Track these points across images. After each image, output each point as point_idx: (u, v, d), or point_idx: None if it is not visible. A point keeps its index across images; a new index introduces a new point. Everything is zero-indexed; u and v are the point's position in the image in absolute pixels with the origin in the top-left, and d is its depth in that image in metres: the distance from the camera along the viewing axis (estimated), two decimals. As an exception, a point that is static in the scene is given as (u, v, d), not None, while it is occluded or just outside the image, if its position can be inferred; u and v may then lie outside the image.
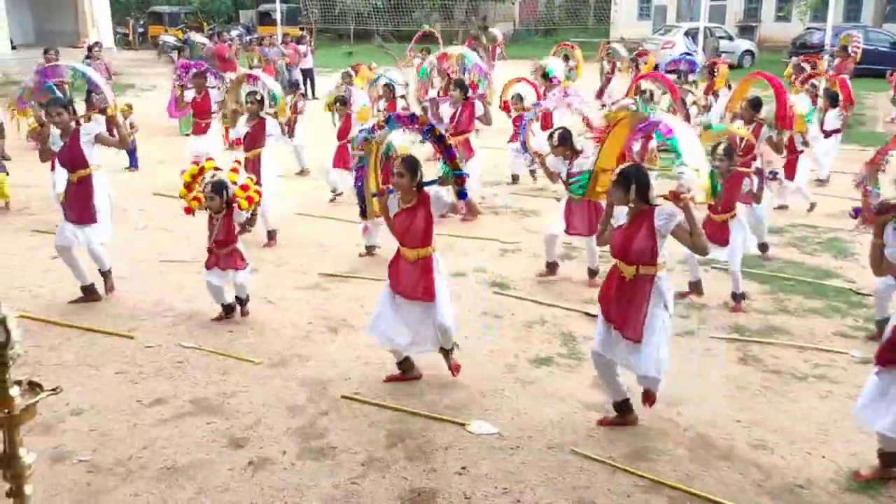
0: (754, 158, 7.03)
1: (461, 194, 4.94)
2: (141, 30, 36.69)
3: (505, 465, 4.28)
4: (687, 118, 9.74)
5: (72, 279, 6.55)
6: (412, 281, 4.96)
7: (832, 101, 10.77)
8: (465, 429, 4.63)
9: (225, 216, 6.02)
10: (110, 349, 5.67)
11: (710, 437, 4.57)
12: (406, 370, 5.26)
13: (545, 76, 11.51)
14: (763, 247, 7.67)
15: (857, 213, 5.94)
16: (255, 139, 8.36)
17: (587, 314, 6.38)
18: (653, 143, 8.00)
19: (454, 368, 5.22)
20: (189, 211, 6.13)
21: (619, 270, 4.42)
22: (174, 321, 6.19)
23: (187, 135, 13.84)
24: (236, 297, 6.27)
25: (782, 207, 9.34)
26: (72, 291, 6.63)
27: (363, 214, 5.37)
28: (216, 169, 6.17)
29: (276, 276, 7.18)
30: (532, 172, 10.61)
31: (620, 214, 4.53)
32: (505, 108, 11.43)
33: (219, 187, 5.95)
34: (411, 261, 4.95)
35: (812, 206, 9.34)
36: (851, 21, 30.73)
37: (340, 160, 9.58)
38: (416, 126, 5.01)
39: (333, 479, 4.14)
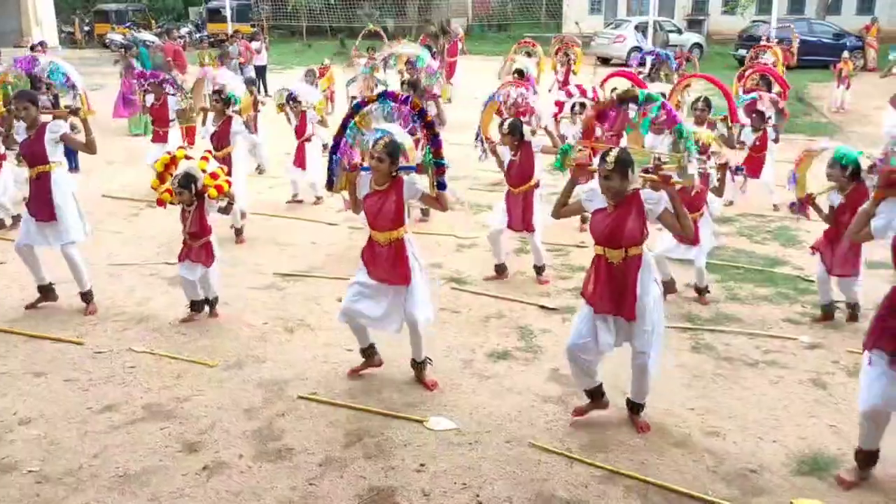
0: (709, 157, 7.18)
1: (440, 184, 4.84)
2: (87, 28, 35.91)
3: (463, 460, 4.29)
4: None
5: (18, 285, 6.38)
6: (387, 264, 4.89)
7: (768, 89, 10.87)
8: (424, 425, 4.62)
9: (197, 208, 5.93)
10: (58, 356, 5.53)
11: (666, 425, 4.64)
12: (368, 356, 5.22)
13: (520, 74, 11.64)
14: None
15: (794, 206, 6.13)
16: (223, 138, 8.27)
17: (543, 307, 6.42)
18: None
19: (431, 385, 5.10)
20: (161, 203, 6.00)
21: (605, 258, 4.31)
22: (125, 325, 6.07)
23: (136, 135, 13.66)
24: (205, 297, 6.16)
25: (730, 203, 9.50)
26: (18, 297, 6.47)
27: (329, 186, 5.20)
28: (187, 157, 6.05)
29: (231, 277, 7.07)
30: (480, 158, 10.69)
31: (594, 198, 4.38)
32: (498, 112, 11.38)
33: (187, 181, 5.84)
34: (383, 244, 4.88)
35: (775, 206, 9.38)
36: (795, 13, 31.47)
37: (297, 158, 9.53)
38: (409, 108, 4.90)
39: (291, 481, 4.10)
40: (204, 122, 8.78)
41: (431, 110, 8.89)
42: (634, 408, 4.62)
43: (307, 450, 4.38)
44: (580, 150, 4.67)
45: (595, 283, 4.39)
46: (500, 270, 7.15)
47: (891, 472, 4.12)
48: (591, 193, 4.42)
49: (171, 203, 5.95)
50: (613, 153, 4.16)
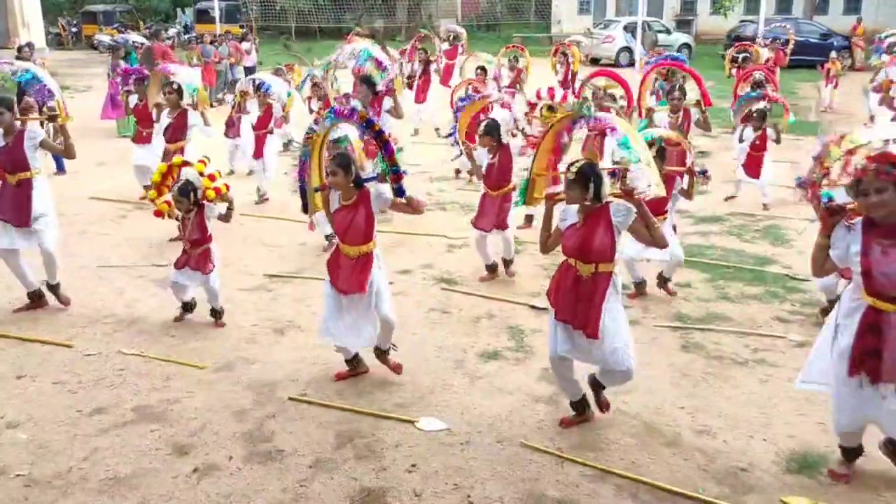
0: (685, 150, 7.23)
1: (398, 191, 4.87)
2: (74, 29, 35.72)
3: (454, 460, 4.29)
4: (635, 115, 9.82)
5: (4, 284, 6.34)
6: (350, 276, 4.91)
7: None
8: (415, 426, 4.62)
9: (197, 214, 5.88)
10: (48, 359, 5.50)
11: (656, 424, 4.65)
12: (354, 366, 5.24)
13: (483, 70, 11.74)
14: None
15: (800, 184, 6.07)
16: (178, 131, 8.22)
17: (533, 307, 6.43)
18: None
19: (396, 368, 5.21)
20: (158, 214, 5.97)
21: (575, 269, 4.30)
22: (114, 328, 6.04)
23: (125, 136, 13.58)
24: (211, 308, 6.10)
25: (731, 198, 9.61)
26: (5, 299, 6.43)
27: (305, 210, 5.26)
28: (185, 164, 6.00)
29: (221, 278, 7.04)
30: (457, 172, 10.77)
31: (567, 216, 4.39)
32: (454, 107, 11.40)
33: (186, 190, 5.79)
34: (351, 257, 4.90)
35: (765, 206, 9.50)
36: (783, 13, 31.64)
37: (256, 150, 9.60)
38: (356, 120, 4.92)
39: (281, 483, 4.09)
40: (158, 119, 8.72)
41: (387, 104, 8.83)
42: (599, 385, 4.62)
43: (298, 451, 4.37)
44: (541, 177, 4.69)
45: (559, 289, 4.40)
46: (493, 269, 7.15)
47: (879, 467, 4.15)
48: (564, 213, 4.42)
49: (170, 216, 5.93)
50: (577, 164, 4.19)
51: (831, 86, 17.07)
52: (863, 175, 3.60)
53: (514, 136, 7.18)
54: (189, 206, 5.82)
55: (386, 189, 4.94)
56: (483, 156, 6.94)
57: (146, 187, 9.58)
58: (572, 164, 4.24)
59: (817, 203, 3.99)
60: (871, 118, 14.29)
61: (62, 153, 6.21)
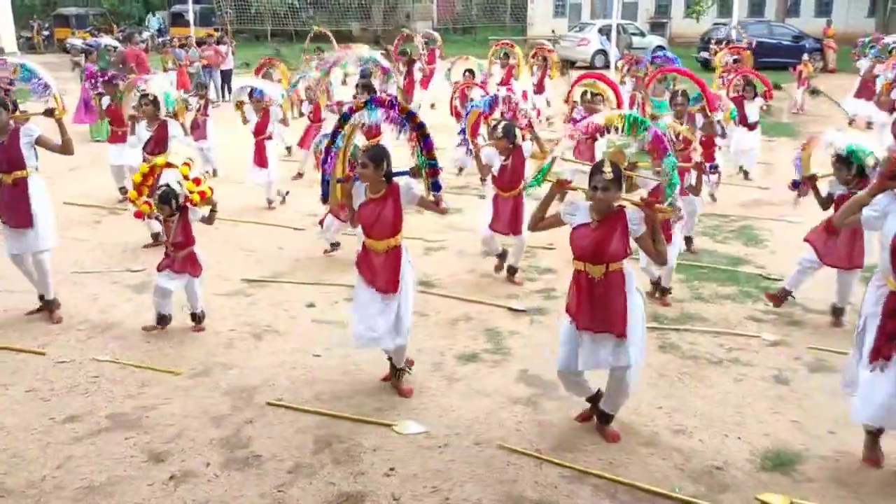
0: (694, 150, 7.29)
1: (435, 185, 4.79)
2: (46, 33, 35.30)
3: (433, 463, 4.29)
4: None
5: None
6: (382, 271, 4.81)
7: (754, 92, 11.02)
8: (393, 429, 4.61)
9: (180, 217, 5.81)
10: (21, 366, 5.42)
11: (634, 424, 4.68)
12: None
13: (471, 73, 11.77)
14: (688, 240, 7.91)
15: (795, 185, 6.13)
16: (159, 143, 8.13)
17: (511, 309, 6.45)
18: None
19: (407, 392, 5.06)
20: (139, 215, 5.88)
21: (587, 273, 4.23)
22: (89, 334, 5.97)
23: (98, 141, 13.45)
24: (191, 312, 6.04)
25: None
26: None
27: (324, 199, 5.10)
28: (168, 165, 5.91)
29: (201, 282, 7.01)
30: (460, 171, 10.79)
31: (576, 212, 4.31)
32: (454, 112, 11.42)
33: (166, 197, 5.73)
34: (379, 252, 4.80)
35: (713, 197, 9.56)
36: (756, 16, 32.05)
37: (258, 157, 9.44)
38: (396, 112, 4.76)
39: (260, 489, 4.07)
40: (133, 131, 8.53)
41: None
42: (605, 418, 4.57)
43: (276, 456, 4.35)
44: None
45: (578, 300, 4.31)
46: (502, 256, 7.19)
47: (854, 466, 4.21)
48: (572, 207, 4.34)
49: (149, 216, 5.86)
50: (608, 164, 4.09)
51: (803, 88, 17.30)
52: None
53: (524, 138, 7.20)
54: (171, 212, 5.77)
55: (415, 184, 4.84)
56: (493, 157, 6.93)
57: (122, 189, 9.52)
58: (601, 164, 4.12)
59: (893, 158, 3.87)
60: (850, 122, 14.53)
61: (60, 149, 6.11)
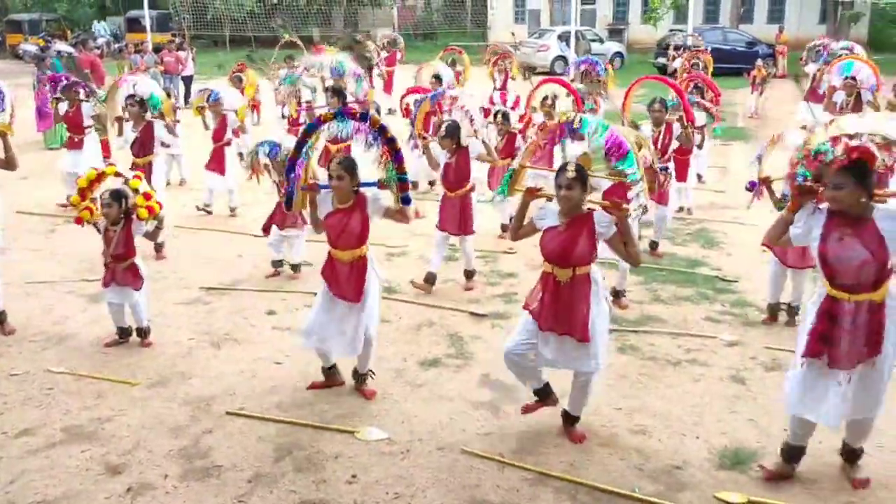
0: (669, 159, 7.49)
1: (405, 199, 4.81)
2: (-3, 39, 34.57)
3: (395, 469, 4.28)
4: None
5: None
6: (347, 281, 4.81)
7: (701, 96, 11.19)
8: (355, 436, 4.60)
9: (123, 228, 5.65)
10: (-29, 380, 5.30)
11: (594, 425, 4.72)
12: (331, 376, 5.18)
13: (438, 79, 11.75)
14: (653, 244, 8.05)
15: (752, 185, 6.22)
16: (144, 145, 8.02)
17: (473, 314, 6.47)
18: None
19: (370, 395, 5.09)
20: (79, 221, 5.69)
21: (554, 276, 4.27)
22: (43, 345, 5.85)
23: (52, 149, 13.18)
24: (136, 328, 5.91)
25: (682, 210, 9.60)
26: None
27: (288, 206, 5.07)
28: (117, 174, 5.76)
29: (155, 292, 6.86)
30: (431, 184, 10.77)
31: (546, 216, 4.36)
32: (406, 113, 11.40)
33: (118, 194, 5.58)
34: (345, 262, 4.80)
35: (686, 209, 9.68)
36: (710, 22, 32.64)
37: (214, 163, 9.32)
38: (367, 126, 4.75)
39: (219, 499, 4.02)
40: (120, 132, 8.48)
41: None
42: (571, 419, 4.62)
43: (236, 466, 4.30)
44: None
45: (542, 301, 4.35)
46: (431, 280, 7.08)
47: (809, 463, 4.29)
48: (542, 212, 4.39)
49: (89, 222, 5.68)
50: (572, 164, 4.17)
51: (757, 92, 17.65)
52: (831, 166, 3.66)
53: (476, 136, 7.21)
54: (117, 214, 5.59)
55: (382, 195, 4.84)
56: (439, 156, 6.96)
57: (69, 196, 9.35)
58: (565, 164, 4.19)
59: (793, 180, 3.98)
60: (804, 127, 14.80)
61: (3, 165, 5.97)
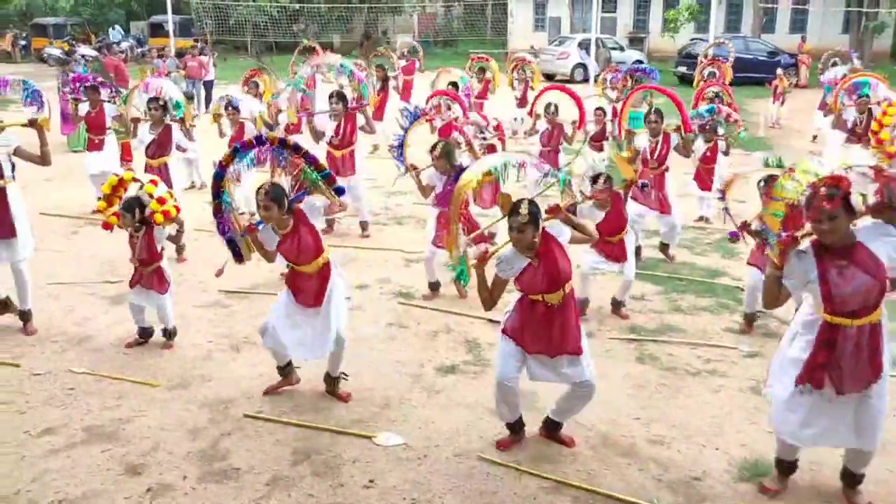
0: (667, 169, 7.53)
1: (338, 191, 4.80)
2: (23, 42, 34.98)
3: (412, 475, 4.28)
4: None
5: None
6: (310, 289, 4.88)
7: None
8: (372, 441, 4.61)
9: (145, 234, 5.73)
10: (-6, 379, 5.36)
11: (612, 435, 4.71)
12: (286, 375, 5.22)
13: (454, 85, 11.78)
14: (663, 245, 8.16)
15: (734, 235, 6.21)
16: (161, 147, 8.10)
17: (491, 321, 6.45)
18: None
19: (345, 397, 5.14)
20: (108, 226, 5.79)
21: (545, 302, 4.23)
22: (64, 346, 5.91)
23: (76, 151, 13.32)
24: (163, 329, 5.97)
25: (703, 219, 9.62)
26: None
27: (239, 259, 5.02)
28: (135, 180, 5.87)
29: (175, 295, 6.93)
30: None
31: (511, 262, 4.27)
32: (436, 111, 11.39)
33: (130, 204, 5.66)
34: (311, 273, 4.86)
35: (706, 218, 9.67)
36: (732, 31, 32.45)
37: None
38: (268, 147, 4.72)
39: (237, 502, 4.04)
40: (134, 134, 8.55)
41: (360, 120, 8.85)
42: (555, 426, 4.62)
43: (254, 469, 4.33)
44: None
45: (528, 327, 4.31)
46: (436, 288, 7.10)
47: (829, 476, 4.25)
48: (503, 264, 4.28)
49: (119, 227, 5.80)
50: (524, 206, 4.07)
51: (778, 102, 17.54)
52: (819, 203, 3.56)
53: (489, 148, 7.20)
54: (133, 222, 5.67)
55: (314, 199, 4.87)
56: (435, 178, 6.90)
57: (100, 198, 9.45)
58: (517, 206, 4.09)
59: (764, 243, 3.93)
60: (814, 137, 14.73)
61: (38, 161, 6.07)
